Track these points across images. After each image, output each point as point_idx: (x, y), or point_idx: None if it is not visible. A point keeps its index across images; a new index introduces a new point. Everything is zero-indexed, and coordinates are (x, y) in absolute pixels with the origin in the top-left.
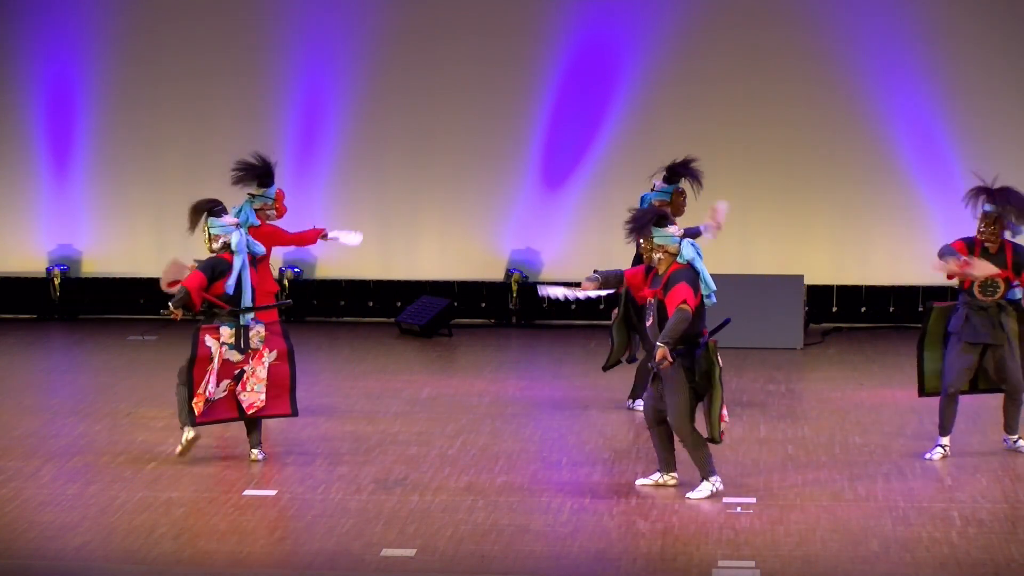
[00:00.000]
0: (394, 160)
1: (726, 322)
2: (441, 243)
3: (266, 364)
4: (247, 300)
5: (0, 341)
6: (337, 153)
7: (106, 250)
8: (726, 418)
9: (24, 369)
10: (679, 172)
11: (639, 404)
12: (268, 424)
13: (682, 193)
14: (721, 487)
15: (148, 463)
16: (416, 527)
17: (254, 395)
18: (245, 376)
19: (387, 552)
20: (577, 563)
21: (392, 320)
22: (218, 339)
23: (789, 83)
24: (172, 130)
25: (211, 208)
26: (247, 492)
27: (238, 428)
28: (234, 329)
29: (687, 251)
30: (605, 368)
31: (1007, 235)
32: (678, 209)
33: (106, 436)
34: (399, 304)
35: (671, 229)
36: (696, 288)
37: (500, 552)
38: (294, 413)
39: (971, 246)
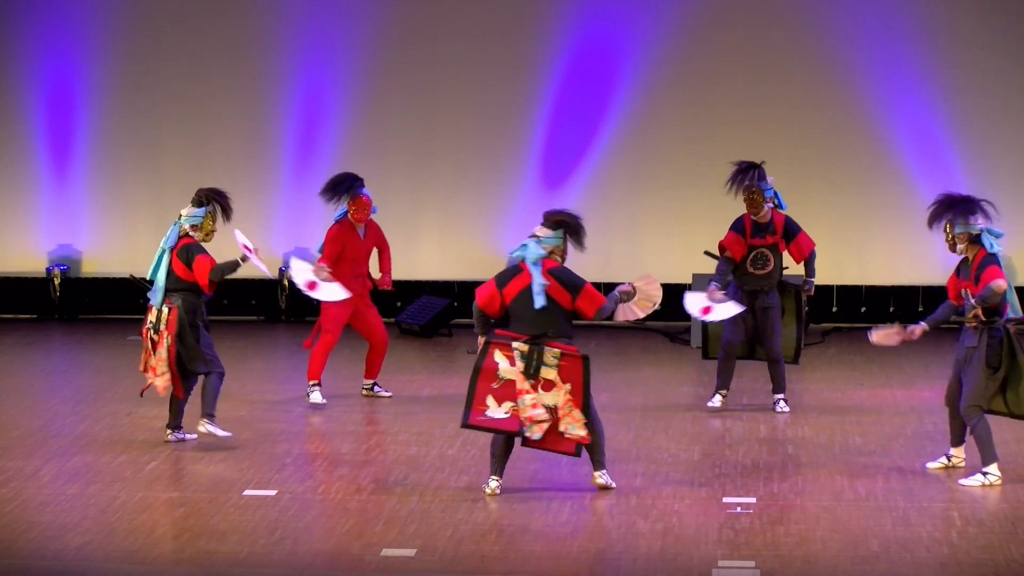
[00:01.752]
0: (394, 160)
1: (542, 334)
2: (441, 243)
3: (165, 347)
4: (157, 283)
5: (0, 341)
6: (337, 153)
7: (106, 250)
8: (533, 418)
9: (24, 369)
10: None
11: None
12: (269, 424)
13: (743, 195)
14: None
15: (148, 463)
16: (416, 527)
17: (157, 378)
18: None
19: (387, 552)
20: (577, 563)
21: (392, 320)
22: (146, 323)
23: (789, 83)
24: (172, 130)
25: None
26: (247, 492)
27: (239, 428)
28: (155, 310)
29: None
30: (704, 357)
31: (986, 245)
32: (748, 209)
33: (106, 436)
34: (399, 304)
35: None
36: (500, 284)
37: (500, 552)
38: (181, 395)
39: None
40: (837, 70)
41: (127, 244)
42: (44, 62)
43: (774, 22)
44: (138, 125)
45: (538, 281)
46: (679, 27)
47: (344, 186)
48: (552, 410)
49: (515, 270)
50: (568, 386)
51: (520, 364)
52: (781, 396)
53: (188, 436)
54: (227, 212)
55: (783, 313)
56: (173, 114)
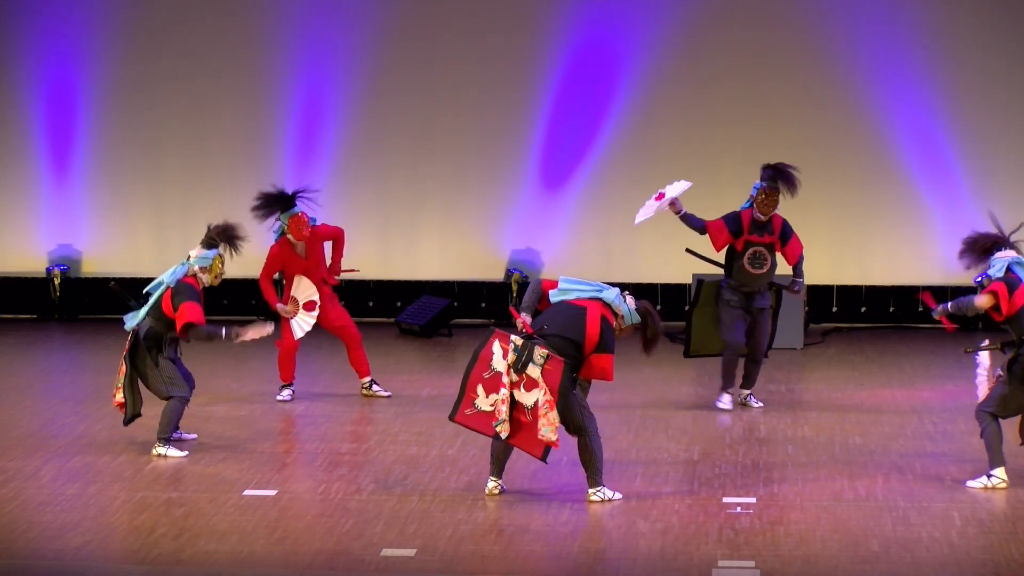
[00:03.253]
0: (394, 160)
1: (540, 329)
2: (441, 243)
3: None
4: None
5: (0, 341)
6: (337, 153)
7: (106, 250)
8: (500, 414)
9: (24, 369)
10: (767, 172)
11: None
12: (269, 424)
13: (764, 191)
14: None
15: (148, 463)
16: (416, 527)
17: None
18: None
19: (387, 552)
20: (577, 563)
21: (392, 320)
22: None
23: (789, 83)
24: (172, 130)
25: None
26: (247, 492)
27: (237, 429)
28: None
29: None
30: (687, 355)
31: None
32: (761, 207)
33: (106, 436)
34: (399, 304)
35: None
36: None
37: (500, 552)
38: (123, 415)
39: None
40: (837, 70)
41: (127, 244)
42: (44, 62)
43: (774, 22)
44: (138, 125)
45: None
46: (679, 27)
47: (278, 203)
48: (530, 410)
49: (587, 293)
50: (547, 389)
51: (511, 357)
52: (750, 392)
53: (187, 436)
54: (237, 249)
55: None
56: (173, 114)
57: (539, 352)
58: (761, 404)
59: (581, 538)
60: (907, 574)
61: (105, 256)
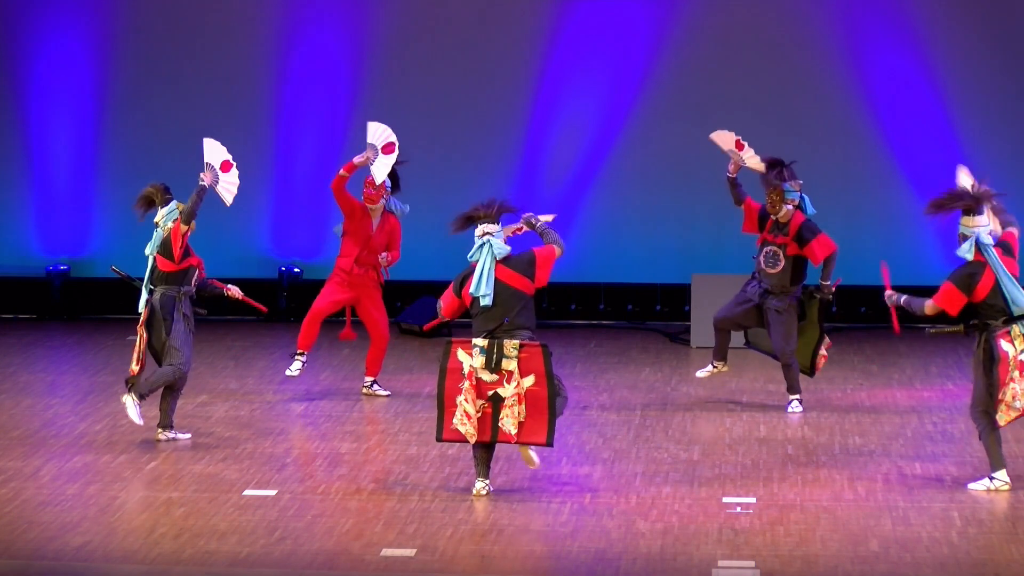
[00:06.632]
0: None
1: (499, 326)
2: (441, 243)
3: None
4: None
5: (0, 341)
6: (336, 152)
7: (106, 250)
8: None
9: (24, 369)
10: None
11: None
12: (269, 424)
13: (767, 190)
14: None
15: (148, 463)
16: (416, 527)
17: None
18: None
19: (387, 552)
20: (577, 563)
21: (392, 320)
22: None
23: (788, 83)
24: (172, 130)
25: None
26: (247, 492)
27: (237, 429)
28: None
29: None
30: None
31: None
32: (768, 206)
33: (106, 436)
34: (399, 304)
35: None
36: (457, 289)
37: (500, 552)
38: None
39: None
40: (837, 70)
41: (127, 244)
42: (43, 61)
43: (774, 21)
44: (138, 125)
45: (487, 282)
46: (680, 27)
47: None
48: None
49: (471, 271)
50: (530, 379)
51: (479, 360)
52: (795, 397)
53: (180, 435)
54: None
55: (805, 322)
56: (173, 114)
57: (509, 345)
58: (800, 410)
59: (581, 538)
60: (907, 574)
61: (105, 256)
